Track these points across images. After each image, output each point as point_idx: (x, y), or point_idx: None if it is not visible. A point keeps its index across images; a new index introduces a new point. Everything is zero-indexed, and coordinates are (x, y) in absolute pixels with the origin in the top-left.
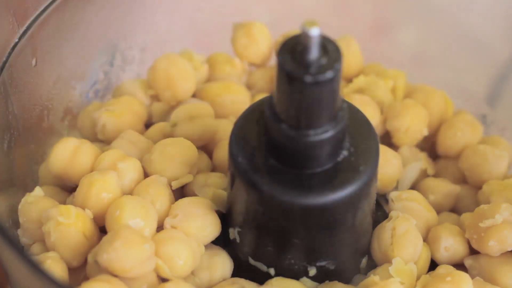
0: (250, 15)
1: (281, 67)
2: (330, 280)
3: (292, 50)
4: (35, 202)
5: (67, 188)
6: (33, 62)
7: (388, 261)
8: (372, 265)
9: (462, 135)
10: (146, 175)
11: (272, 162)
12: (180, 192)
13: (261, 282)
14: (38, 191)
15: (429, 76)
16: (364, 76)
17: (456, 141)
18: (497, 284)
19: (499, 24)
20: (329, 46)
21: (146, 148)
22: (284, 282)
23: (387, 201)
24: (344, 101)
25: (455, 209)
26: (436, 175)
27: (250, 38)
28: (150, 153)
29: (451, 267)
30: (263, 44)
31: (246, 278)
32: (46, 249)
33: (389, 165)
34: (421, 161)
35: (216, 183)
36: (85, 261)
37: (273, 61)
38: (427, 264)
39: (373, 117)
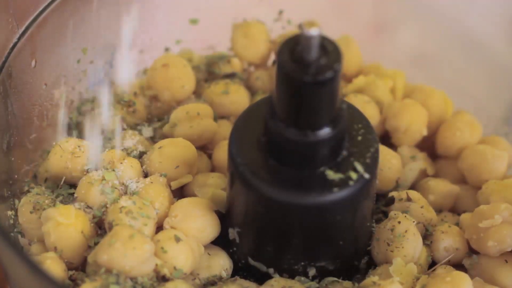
0: (250, 15)
1: (280, 67)
2: (330, 280)
3: (292, 50)
4: (35, 202)
5: (66, 188)
6: (33, 62)
7: (388, 261)
8: (372, 265)
9: (461, 135)
10: (146, 175)
11: (272, 162)
12: (180, 192)
13: (260, 282)
14: (37, 191)
15: (429, 76)
16: (364, 76)
17: (456, 141)
18: (497, 284)
19: (499, 24)
20: (329, 47)
21: (146, 147)
22: (284, 282)
23: (386, 201)
24: (343, 101)
25: (455, 209)
26: (435, 175)
27: (249, 38)
28: (150, 153)
29: (451, 267)
30: (262, 44)
31: (245, 278)
32: (46, 249)
33: (389, 165)
34: (421, 161)
35: (215, 183)
36: (85, 261)
37: (272, 61)
38: (427, 264)
39: (373, 117)
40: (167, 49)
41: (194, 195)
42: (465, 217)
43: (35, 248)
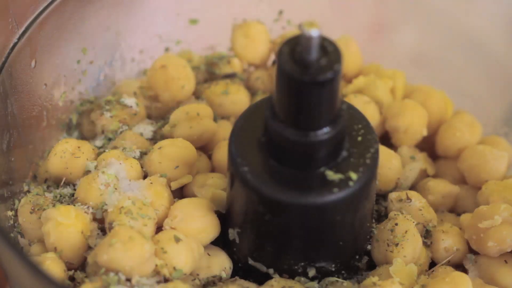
0: (250, 15)
1: (280, 67)
2: (330, 280)
3: (292, 50)
4: (35, 203)
5: (66, 188)
6: (33, 62)
7: (388, 261)
8: (372, 265)
9: (461, 135)
10: (146, 175)
11: (272, 162)
12: (180, 193)
13: (260, 282)
14: (37, 191)
15: (429, 76)
16: (364, 76)
17: (455, 141)
18: (497, 284)
19: (499, 24)
20: (329, 47)
21: (146, 148)
22: (284, 282)
23: (386, 201)
24: (343, 101)
25: (455, 210)
26: (435, 176)
27: (249, 38)
28: (150, 153)
29: (451, 267)
30: (262, 44)
31: (245, 278)
32: (46, 249)
33: (389, 165)
34: (421, 162)
35: (215, 184)
36: (85, 261)
37: (272, 61)
38: (427, 264)
39: (373, 117)
40: (167, 49)
41: (194, 196)
42: (465, 217)
43: (35, 248)
